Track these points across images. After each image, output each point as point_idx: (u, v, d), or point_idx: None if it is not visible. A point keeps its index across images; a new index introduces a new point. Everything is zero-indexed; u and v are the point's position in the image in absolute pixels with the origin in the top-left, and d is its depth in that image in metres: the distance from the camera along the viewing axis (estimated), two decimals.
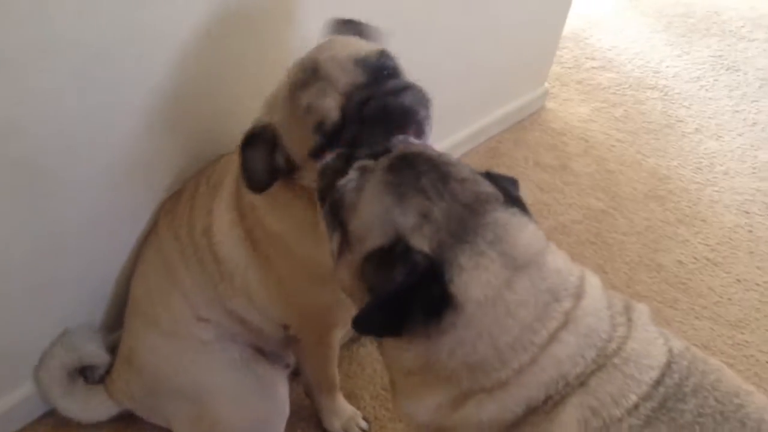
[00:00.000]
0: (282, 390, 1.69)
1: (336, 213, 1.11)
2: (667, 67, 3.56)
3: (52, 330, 1.71)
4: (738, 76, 3.53)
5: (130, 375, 1.67)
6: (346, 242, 1.09)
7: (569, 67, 3.48)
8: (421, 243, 1.00)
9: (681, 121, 3.20)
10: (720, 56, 3.68)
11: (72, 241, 1.60)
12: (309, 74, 1.30)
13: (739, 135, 3.13)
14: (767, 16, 4.04)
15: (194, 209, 1.59)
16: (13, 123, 1.31)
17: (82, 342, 1.71)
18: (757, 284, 2.42)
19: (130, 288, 1.72)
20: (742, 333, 2.25)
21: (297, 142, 1.32)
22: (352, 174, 1.11)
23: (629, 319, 1.06)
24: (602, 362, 1.00)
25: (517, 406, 1.01)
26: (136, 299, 1.69)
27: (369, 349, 2.07)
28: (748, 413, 0.98)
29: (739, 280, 2.44)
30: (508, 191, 1.09)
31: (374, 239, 1.03)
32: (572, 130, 3.06)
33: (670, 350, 1.04)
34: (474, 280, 0.98)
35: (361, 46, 1.34)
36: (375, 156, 1.14)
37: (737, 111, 3.28)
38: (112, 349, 1.78)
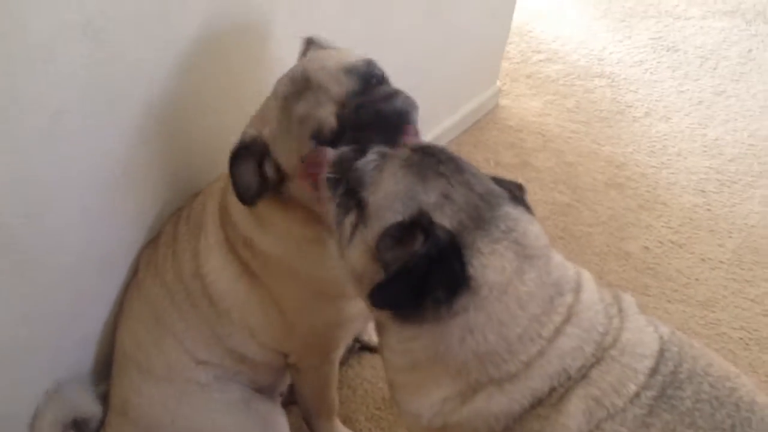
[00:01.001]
0: (283, 426, 1.69)
1: (352, 192, 1.14)
2: (611, 53, 3.63)
3: (38, 390, 1.65)
4: (679, 55, 3.63)
5: (126, 427, 1.64)
6: (362, 220, 1.11)
7: (517, 62, 3.53)
8: (443, 220, 1.04)
9: (630, 106, 3.27)
10: (660, 38, 3.77)
11: (50, 298, 1.55)
12: (301, 85, 1.33)
13: (687, 115, 3.22)
14: None
15: (177, 253, 1.58)
16: None
17: (73, 396, 1.68)
18: (721, 261, 2.50)
19: (116, 341, 1.69)
20: (713, 311, 2.32)
21: (291, 152, 1.35)
22: (371, 155, 1.15)
23: (620, 310, 1.12)
24: (600, 354, 1.05)
25: (524, 398, 1.05)
26: (125, 351, 1.66)
27: (357, 370, 2.08)
28: (740, 396, 1.04)
29: (703, 260, 2.51)
30: (514, 192, 1.15)
31: (395, 214, 1.07)
32: (528, 126, 3.11)
33: (660, 337, 1.09)
34: (490, 264, 1.03)
35: (348, 56, 1.38)
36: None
37: (682, 91, 3.37)
38: (101, 401, 1.74)
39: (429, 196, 1.06)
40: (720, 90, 3.38)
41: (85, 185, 1.47)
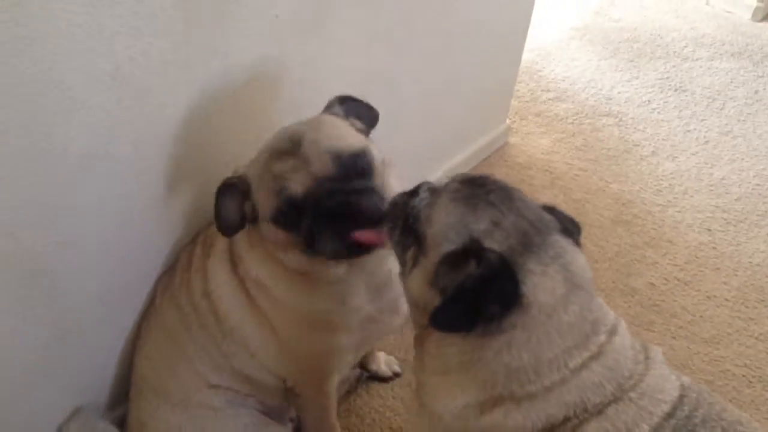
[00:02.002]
0: None
1: (410, 228, 1.23)
2: (619, 93, 3.71)
3: (56, 414, 1.73)
4: (686, 96, 3.70)
5: None
6: (421, 252, 1.19)
7: (526, 101, 3.61)
8: (493, 245, 1.11)
9: (637, 145, 3.33)
10: (667, 78, 3.84)
11: (74, 323, 1.63)
12: (289, 147, 1.42)
13: (693, 154, 3.28)
14: (708, 35, 4.23)
15: (191, 275, 1.65)
16: (5, 227, 1.36)
17: (94, 420, 1.74)
18: (726, 299, 2.54)
19: (134, 367, 1.76)
20: (717, 349, 2.36)
21: (262, 201, 1.46)
22: (423, 194, 1.25)
23: (647, 358, 1.16)
24: (620, 395, 1.10)
25: (539, 419, 1.10)
26: (143, 376, 1.73)
27: (365, 399, 2.12)
28: None
29: (709, 297, 2.55)
30: (566, 225, 1.22)
31: (450, 243, 1.14)
32: (537, 163, 3.18)
33: (682, 385, 1.13)
34: (541, 285, 1.10)
35: (345, 139, 1.45)
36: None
37: (688, 131, 3.43)
38: (119, 423, 1.81)
39: (479, 224, 1.13)
40: (726, 130, 3.44)
41: (108, 220, 1.55)
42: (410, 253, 1.23)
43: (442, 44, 2.41)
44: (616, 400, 1.09)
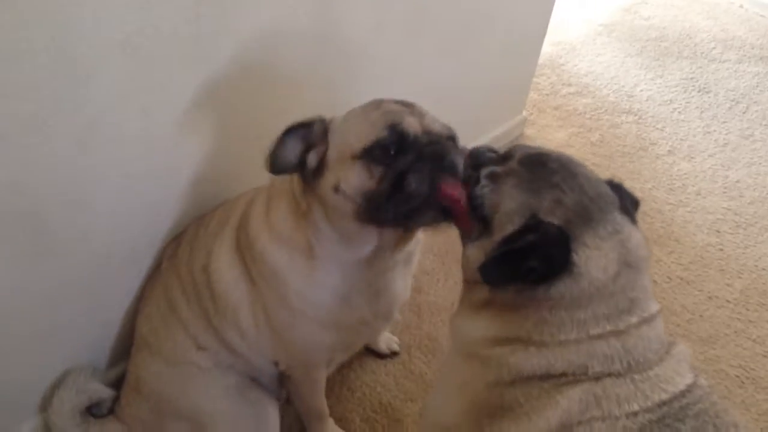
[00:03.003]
0: (273, 416, 1.81)
1: (474, 213, 1.27)
2: (641, 90, 3.70)
3: (59, 367, 1.82)
4: (709, 97, 3.68)
5: (139, 401, 1.80)
6: (486, 232, 1.24)
7: (546, 94, 3.62)
8: (553, 220, 1.15)
9: (654, 143, 3.33)
10: (692, 78, 3.82)
11: (78, 282, 1.71)
12: (407, 103, 1.46)
13: (710, 156, 3.27)
14: (738, 38, 4.19)
15: (194, 250, 1.72)
16: (14, 184, 1.43)
17: (87, 382, 1.83)
18: (728, 301, 2.55)
19: (136, 326, 1.85)
20: (714, 348, 2.37)
21: (353, 136, 1.40)
22: (484, 181, 1.27)
23: (667, 352, 1.17)
24: (623, 373, 1.12)
25: (539, 365, 1.15)
26: (142, 335, 1.82)
27: (358, 373, 2.18)
28: None
29: (710, 298, 2.56)
30: (625, 203, 1.25)
31: (514, 224, 1.18)
32: None
33: (693, 383, 1.14)
34: (595, 259, 1.13)
35: None
36: (497, 161, 1.32)
37: (708, 132, 3.42)
38: (118, 381, 1.90)
39: (542, 204, 1.17)
40: (747, 134, 3.42)
41: (116, 184, 1.62)
42: (476, 227, 1.28)
43: (459, 33, 2.44)
44: (617, 375, 1.12)
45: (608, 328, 1.13)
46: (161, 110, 1.61)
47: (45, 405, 1.82)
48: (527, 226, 1.16)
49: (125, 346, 1.91)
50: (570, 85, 3.71)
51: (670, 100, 3.64)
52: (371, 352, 2.24)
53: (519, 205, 1.18)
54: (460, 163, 1.36)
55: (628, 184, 2.99)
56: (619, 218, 1.19)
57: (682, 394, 1.11)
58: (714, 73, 3.87)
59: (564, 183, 1.18)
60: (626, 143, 3.32)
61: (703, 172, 3.17)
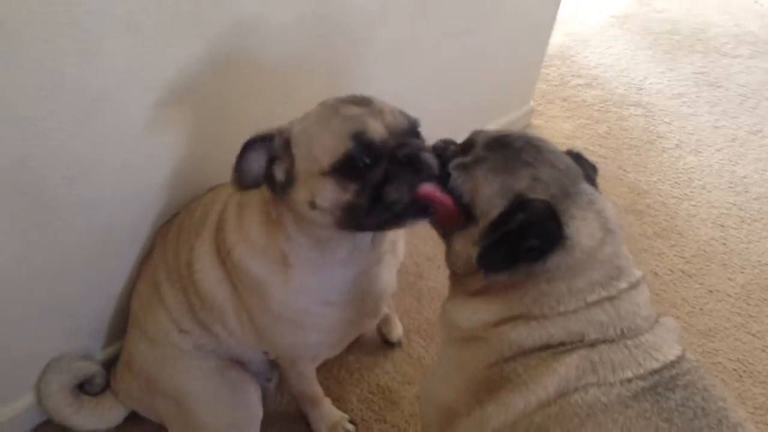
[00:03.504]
0: (254, 396, 1.83)
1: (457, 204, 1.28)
2: (651, 83, 3.68)
3: (58, 341, 1.86)
4: (720, 92, 3.66)
5: (130, 377, 1.84)
6: (471, 221, 1.25)
7: (555, 85, 3.61)
8: (537, 196, 1.18)
9: (662, 137, 3.32)
10: (703, 73, 3.80)
11: (78, 257, 1.74)
12: (361, 101, 1.38)
13: (718, 150, 3.25)
14: (752, 33, 4.16)
15: (179, 241, 1.72)
16: (18, 157, 1.45)
17: (72, 361, 1.87)
18: (729, 295, 2.54)
19: (130, 303, 1.88)
20: (712, 341, 2.37)
21: (317, 151, 1.33)
22: (455, 173, 1.28)
23: (657, 321, 1.22)
24: (617, 339, 1.17)
25: (540, 338, 1.18)
26: (134, 312, 1.85)
27: (357, 355, 2.20)
28: (727, 416, 1.11)
29: (711, 291, 2.56)
30: (587, 171, 1.30)
31: (498, 207, 1.21)
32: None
33: (682, 355, 1.18)
34: (583, 228, 1.18)
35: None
36: (461, 152, 1.33)
37: (717, 127, 3.40)
38: (114, 358, 1.94)
39: (521, 183, 1.20)
40: (756, 129, 3.40)
41: (115, 160, 1.64)
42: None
43: (465, 20, 2.45)
44: (612, 341, 1.16)
45: (603, 294, 1.18)
46: (163, 88, 1.62)
47: (38, 385, 1.86)
48: (513, 205, 1.18)
49: (124, 324, 1.93)
50: (579, 76, 3.70)
51: (680, 94, 3.62)
52: (382, 339, 2.25)
53: (498, 187, 1.21)
54: (433, 160, 1.32)
55: (633, 177, 3.03)
56: (589, 189, 1.24)
57: (672, 364, 1.15)
58: (725, 68, 3.84)
59: (534, 160, 1.22)
60: (633, 136, 3.31)
61: (710, 167, 3.15)
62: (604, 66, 3.79)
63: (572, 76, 3.70)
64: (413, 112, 1.42)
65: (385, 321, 2.22)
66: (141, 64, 1.53)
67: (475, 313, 1.27)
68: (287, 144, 1.37)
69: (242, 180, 1.36)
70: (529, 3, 2.72)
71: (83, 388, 1.91)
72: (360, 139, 1.30)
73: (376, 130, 1.32)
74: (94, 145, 1.57)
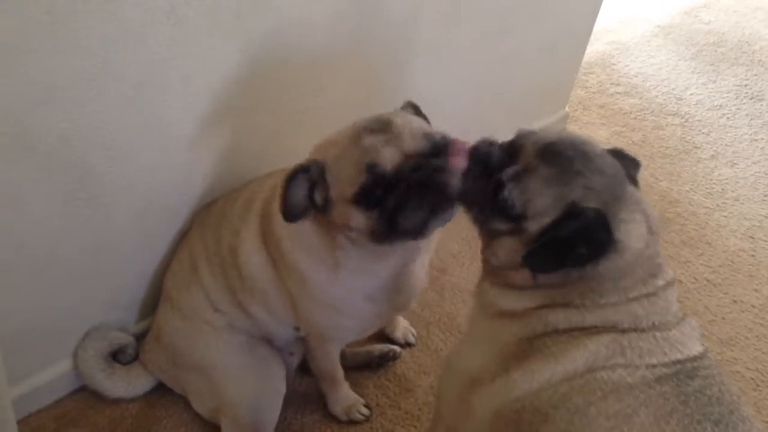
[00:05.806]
0: (279, 372, 1.92)
1: (501, 213, 1.31)
2: (691, 94, 3.67)
3: (95, 312, 1.98)
4: (761, 105, 3.63)
5: (159, 350, 1.96)
6: (521, 229, 1.28)
7: (593, 92, 3.64)
8: (591, 204, 1.23)
9: (698, 147, 3.32)
10: (746, 86, 3.78)
11: (117, 233, 1.85)
12: (380, 125, 1.47)
13: (755, 163, 3.24)
14: None
15: (222, 227, 1.83)
16: (63, 136, 1.56)
17: (107, 331, 2.01)
18: (753, 306, 2.54)
19: (163, 280, 1.99)
20: (732, 350, 2.38)
21: (343, 180, 1.46)
22: (510, 185, 1.30)
23: (683, 318, 1.29)
24: (648, 330, 1.23)
25: (576, 322, 1.25)
26: (166, 289, 1.97)
27: (375, 344, 2.27)
28: (739, 408, 1.17)
29: (735, 301, 2.56)
30: (629, 170, 1.35)
31: (550, 216, 1.25)
32: None
33: (704, 354, 1.24)
34: (633, 231, 1.23)
35: (431, 128, 1.55)
36: (508, 157, 1.35)
37: (755, 140, 3.38)
38: (146, 332, 2.06)
39: (574, 192, 1.24)
40: None
41: (154, 142, 1.75)
42: (497, 224, 1.33)
43: (500, 22, 2.50)
44: (642, 330, 1.22)
45: (643, 291, 1.24)
46: (201, 79, 1.73)
47: (76, 350, 1.99)
48: (566, 214, 1.23)
49: (156, 300, 2.05)
50: (618, 84, 3.71)
51: (720, 106, 3.60)
52: (389, 341, 2.30)
53: (552, 199, 1.24)
54: (450, 178, 1.38)
55: (665, 185, 3.04)
56: (633, 190, 1.29)
57: (694, 358, 1.21)
58: None
59: (585, 168, 1.25)
60: (669, 145, 3.32)
61: (745, 179, 3.14)
62: (645, 75, 3.79)
63: (611, 84, 3.71)
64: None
65: (390, 323, 2.29)
66: (180, 55, 1.64)
67: (519, 299, 1.32)
68: (323, 172, 1.50)
69: (290, 211, 1.49)
70: (566, 10, 2.76)
71: (116, 357, 2.04)
72: (373, 172, 1.41)
73: (391, 159, 1.41)
74: (134, 128, 1.68)
